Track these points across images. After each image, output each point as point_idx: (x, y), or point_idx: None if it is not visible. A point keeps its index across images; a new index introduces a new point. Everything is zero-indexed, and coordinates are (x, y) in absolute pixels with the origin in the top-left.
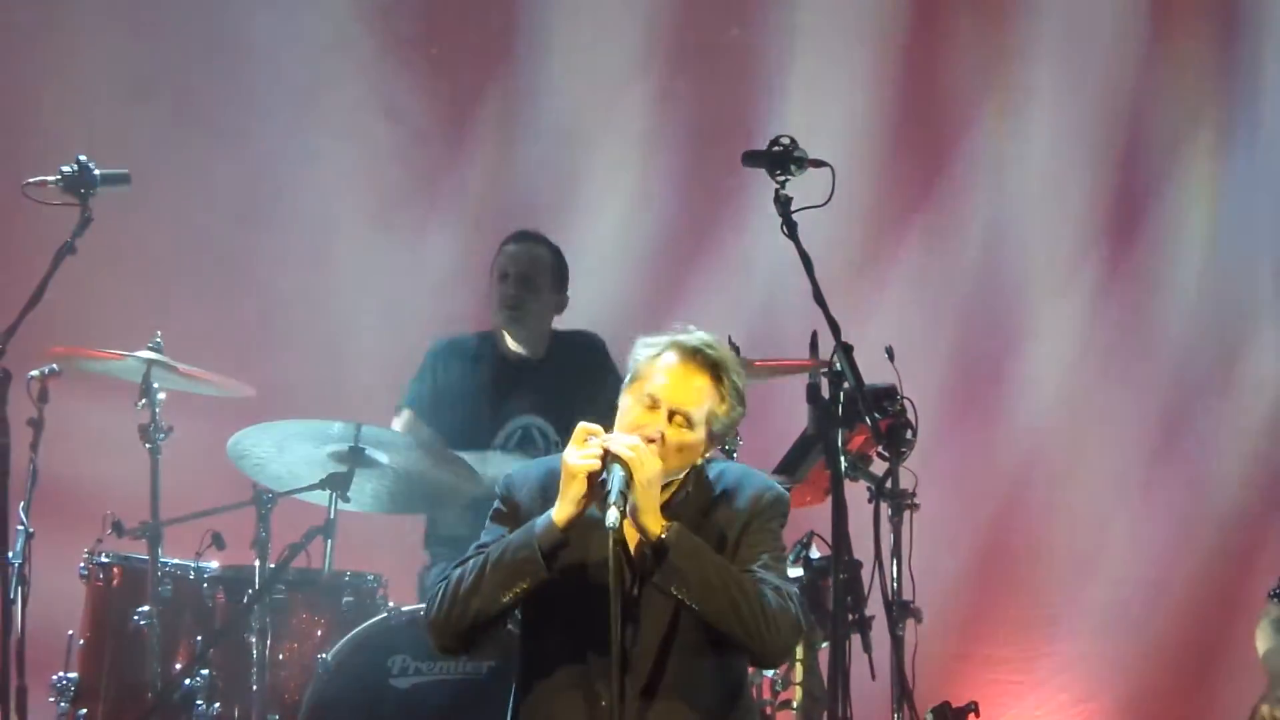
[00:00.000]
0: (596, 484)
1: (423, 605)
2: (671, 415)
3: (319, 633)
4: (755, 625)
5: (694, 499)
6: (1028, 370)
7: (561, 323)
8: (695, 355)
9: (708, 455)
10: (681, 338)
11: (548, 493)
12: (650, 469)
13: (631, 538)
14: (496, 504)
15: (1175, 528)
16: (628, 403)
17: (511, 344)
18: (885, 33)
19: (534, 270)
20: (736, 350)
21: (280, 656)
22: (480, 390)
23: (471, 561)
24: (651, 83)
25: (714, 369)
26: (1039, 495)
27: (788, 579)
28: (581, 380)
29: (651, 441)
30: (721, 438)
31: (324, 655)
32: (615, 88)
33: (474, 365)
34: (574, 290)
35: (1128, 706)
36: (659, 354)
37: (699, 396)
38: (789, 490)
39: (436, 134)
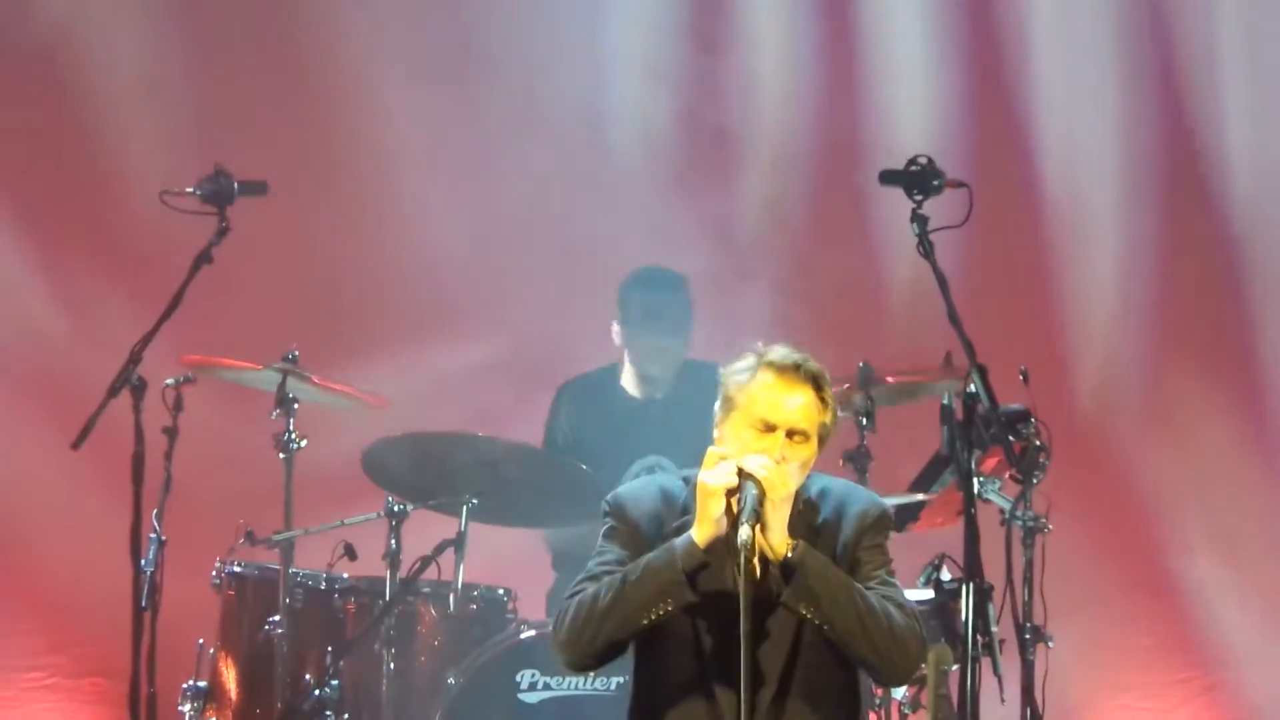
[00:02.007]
0: (730, 503)
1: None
2: (791, 434)
3: (448, 646)
4: (883, 644)
5: (802, 517)
6: (1164, 393)
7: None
8: (796, 371)
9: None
10: (773, 356)
11: (661, 514)
12: (785, 488)
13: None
14: (610, 523)
15: None
16: (737, 432)
17: (641, 383)
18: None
19: (681, 315)
20: (871, 373)
21: (409, 669)
22: (608, 430)
23: (605, 581)
24: (778, 98)
25: (814, 381)
26: (1173, 520)
27: (902, 594)
28: (705, 414)
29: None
30: (824, 445)
31: (453, 669)
32: (740, 101)
33: (601, 405)
34: (702, 308)
35: None
36: (753, 377)
37: (809, 411)
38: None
39: (562, 151)
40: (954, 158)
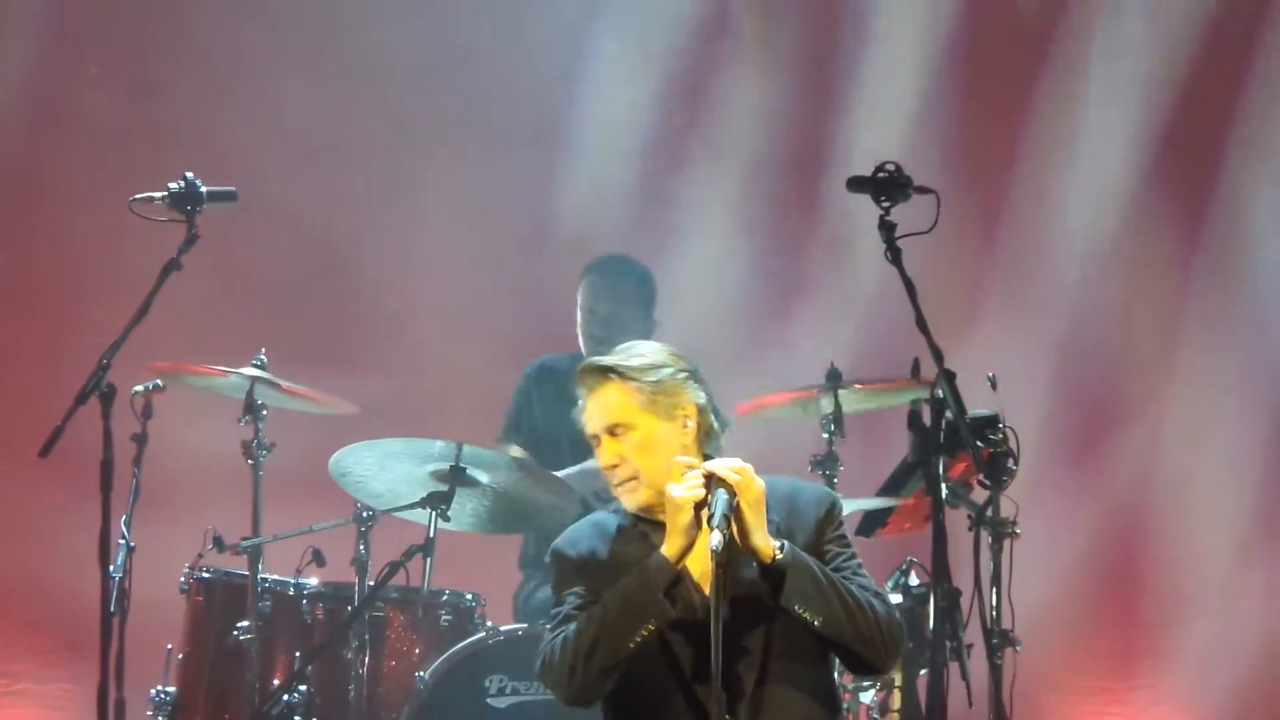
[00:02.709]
0: (700, 513)
1: (521, 625)
2: (612, 432)
3: (417, 651)
4: (871, 634)
5: None
6: (1131, 401)
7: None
8: (586, 378)
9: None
10: (577, 380)
11: (596, 547)
12: (756, 489)
13: (698, 561)
14: (556, 573)
15: None
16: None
17: None
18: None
19: (618, 305)
20: (838, 376)
21: (378, 674)
22: (573, 413)
23: (583, 616)
24: (752, 106)
25: (604, 373)
26: (1140, 526)
27: (873, 582)
28: None
29: (619, 472)
30: (678, 399)
31: (422, 673)
32: (715, 110)
33: (567, 388)
34: (672, 315)
35: None
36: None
37: (609, 403)
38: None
39: (534, 156)
40: (921, 164)
